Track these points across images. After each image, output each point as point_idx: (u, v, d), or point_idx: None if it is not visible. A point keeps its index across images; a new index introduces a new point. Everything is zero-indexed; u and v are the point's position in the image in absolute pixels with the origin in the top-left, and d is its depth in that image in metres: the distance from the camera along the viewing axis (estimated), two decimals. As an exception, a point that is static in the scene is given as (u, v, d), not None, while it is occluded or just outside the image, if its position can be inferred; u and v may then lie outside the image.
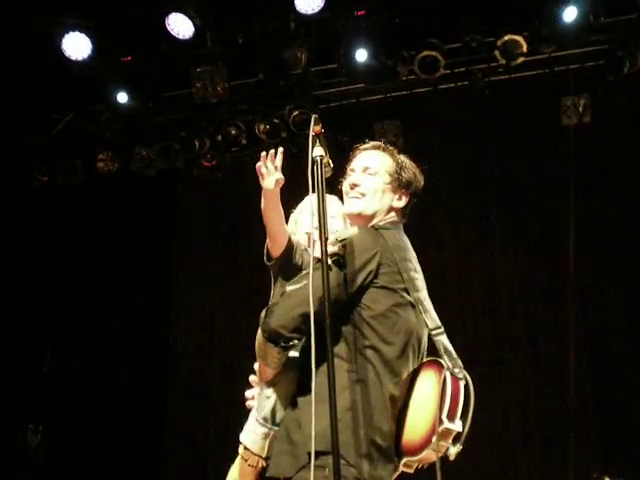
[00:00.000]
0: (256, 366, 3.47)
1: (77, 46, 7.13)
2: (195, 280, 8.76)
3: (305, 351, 3.10)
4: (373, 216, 3.34)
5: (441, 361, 3.04)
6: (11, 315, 8.21)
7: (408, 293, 3.12)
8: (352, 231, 3.22)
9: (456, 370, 3.00)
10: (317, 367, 2.90)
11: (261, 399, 3.40)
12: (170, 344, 8.70)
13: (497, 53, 6.89)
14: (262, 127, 7.75)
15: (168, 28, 6.92)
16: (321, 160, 3.03)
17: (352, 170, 3.41)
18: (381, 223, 3.32)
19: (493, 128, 7.65)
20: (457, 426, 2.95)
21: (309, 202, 3.35)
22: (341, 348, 3.06)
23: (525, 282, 7.50)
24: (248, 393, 3.55)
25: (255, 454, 3.39)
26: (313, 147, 3.03)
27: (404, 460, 3.05)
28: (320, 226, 2.95)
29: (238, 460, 3.49)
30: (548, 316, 7.35)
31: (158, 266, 8.66)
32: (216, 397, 8.13)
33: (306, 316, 2.93)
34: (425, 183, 3.48)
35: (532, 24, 6.72)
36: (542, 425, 7.20)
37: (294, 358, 3.27)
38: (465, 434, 2.96)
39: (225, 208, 8.71)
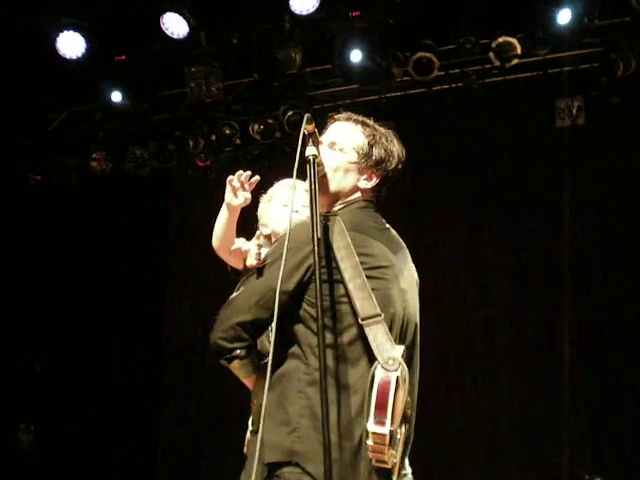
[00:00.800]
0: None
1: (71, 45, 7.12)
2: (189, 279, 8.75)
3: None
4: (335, 196, 3.11)
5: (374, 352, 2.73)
6: (4, 314, 8.20)
7: (344, 282, 2.83)
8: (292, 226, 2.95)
9: (390, 362, 2.68)
10: (278, 372, 2.83)
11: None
12: (163, 343, 8.69)
13: (491, 55, 6.89)
14: (256, 127, 7.76)
15: (163, 28, 6.91)
16: (314, 159, 3.00)
17: (320, 143, 3.06)
18: (336, 208, 3.08)
19: (487, 130, 7.66)
20: (383, 429, 2.63)
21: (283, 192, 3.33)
22: (295, 349, 2.87)
23: (518, 281, 7.50)
24: None
25: None
26: (306, 146, 3.00)
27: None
28: (313, 225, 2.93)
29: None
30: (541, 315, 7.36)
31: (152, 265, 8.65)
32: (209, 395, 8.13)
33: (244, 323, 2.85)
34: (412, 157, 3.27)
35: (527, 26, 6.73)
36: (534, 425, 7.20)
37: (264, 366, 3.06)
38: (404, 438, 2.76)
39: (219, 208, 8.68)
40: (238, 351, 2.91)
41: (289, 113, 7.48)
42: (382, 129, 3.20)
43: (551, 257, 7.35)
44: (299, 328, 2.88)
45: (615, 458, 6.81)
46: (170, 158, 8.15)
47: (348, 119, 3.19)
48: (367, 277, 2.83)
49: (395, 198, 3.31)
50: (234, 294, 2.98)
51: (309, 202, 2.90)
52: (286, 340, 2.86)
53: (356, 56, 6.95)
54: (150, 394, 8.43)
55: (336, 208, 3.10)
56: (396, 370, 2.67)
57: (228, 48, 7.35)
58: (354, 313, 2.80)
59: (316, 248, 2.77)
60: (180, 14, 6.85)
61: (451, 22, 6.98)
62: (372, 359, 2.75)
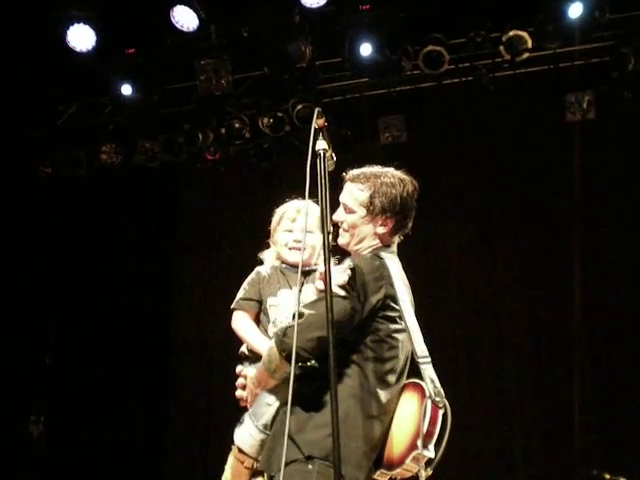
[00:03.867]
0: (241, 369, 3.66)
1: (81, 38, 7.13)
2: (196, 272, 8.76)
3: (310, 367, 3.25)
4: (359, 245, 3.49)
5: (424, 387, 3.19)
6: (13, 306, 8.23)
7: (402, 321, 3.26)
8: (356, 259, 3.34)
9: (437, 399, 3.13)
10: (321, 382, 3.08)
11: (260, 406, 3.50)
12: (171, 337, 8.71)
13: (502, 49, 6.88)
14: (266, 121, 7.75)
15: (173, 21, 6.91)
16: (324, 154, 3.02)
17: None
18: (370, 249, 3.44)
19: (497, 124, 7.64)
20: (430, 453, 3.14)
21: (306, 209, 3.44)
22: (345, 368, 3.24)
23: (527, 278, 7.49)
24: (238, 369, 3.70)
25: (251, 457, 3.50)
26: (316, 140, 3.03)
27: (379, 471, 3.28)
28: (323, 219, 2.95)
29: (232, 461, 3.60)
30: (550, 312, 7.34)
31: (160, 258, 8.67)
32: (217, 389, 8.12)
33: (322, 339, 3.06)
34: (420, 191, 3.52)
35: (537, 20, 6.70)
36: (543, 422, 7.19)
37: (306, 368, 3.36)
38: (437, 461, 3.13)
39: (228, 201, 8.70)
40: (313, 361, 3.22)
41: (299, 107, 7.48)
42: (384, 177, 3.47)
43: (562, 253, 7.32)
44: (352, 351, 3.26)
45: (625, 455, 6.80)
46: (179, 151, 8.14)
47: (352, 179, 3.51)
48: None
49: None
50: (309, 311, 3.21)
51: (319, 195, 2.97)
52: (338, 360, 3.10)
53: (366, 49, 6.93)
54: (159, 387, 8.45)
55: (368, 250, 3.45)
56: (442, 408, 3.14)
57: (238, 41, 7.34)
58: (401, 348, 3.32)
59: (326, 240, 3.03)
60: (190, 7, 6.85)
61: (461, 15, 6.96)
62: (401, 388, 3.34)
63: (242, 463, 3.52)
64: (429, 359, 3.25)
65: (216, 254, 8.63)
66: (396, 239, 3.53)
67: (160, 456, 8.36)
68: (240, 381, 3.66)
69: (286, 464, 3.08)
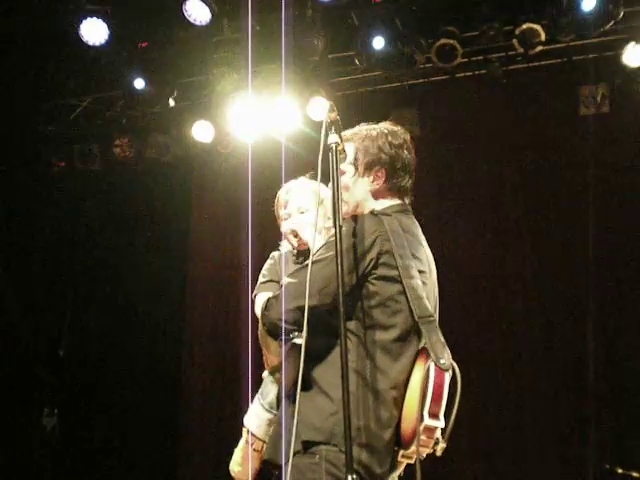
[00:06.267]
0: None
1: (94, 32, 7.14)
2: (211, 266, 8.78)
3: (308, 341, 3.03)
4: (360, 209, 3.31)
5: (431, 354, 2.91)
6: (28, 299, 8.27)
7: (401, 280, 3.02)
8: (348, 220, 3.15)
9: (442, 361, 2.89)
10: (320, 358, 2.97)
11: (266, 384, 3.47)
12: (185, 329, 8.74)
13: (515, 42, 6.84)
14: (278, 114, 7.75)
15: (185, 14, 6.91)
16: (336, 147, 3.03)
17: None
18: (378, 208, 3.24)
19: (510, 117, 7.62)
20: (439, 422, 2.90)
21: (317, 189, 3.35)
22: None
23: (541, 272, 7.47)
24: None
25: (259, 439, 3.44)
26: (328, 134, 3.04)
27: (401, 452, 3.04)
28: (335, 213, 2.95)
29: (242, 443, 3.53)
30: (564, 304, 7.32)
31: (174, 252, 8.69)
32: (230, 380, 8.15)
33: (304, 309, 2.91)
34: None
35: (551, 13, 6.66)
36: (557, 417, 7.18)
37: (299, 345, 3.23)
38: (449, 430, 2.91)
39: (241, 195, 8.70)
40: (296, 333, 3.08)
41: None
42: (368, 130, 3.39)
43: (575, 247, 7.30)
44: (349, 320, 2.99)
45: (638, 454, 6.78)
46: (192, 145, 8.15)
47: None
48: None
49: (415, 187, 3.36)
50: (289, 279, 3.08)
51: (331, 189, 2.97)
52: (331, 330, 2.94)
53: (379, 43, 6.92)
54: (171, 380, 8.48)
55: (377, 209, 3.23)
56: (447, 370, 2.89)
57: (251, 35, 7.34)
58: (407, 311, 3.01)
59: (338, 235, 2.90)
60: (203, 1, 6.85)
61: (474, 8, 6.94)
62: (413, 357, 3.04)
63: (251, 445, 3.46)
64: (432, 318, 3.00)
65: (230, 247, 8.63)
66: (406, 198, 3.34)
67: (173, 449, 8.39)
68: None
69: (294, 454, 2.96)
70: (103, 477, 8.20)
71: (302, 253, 3.59)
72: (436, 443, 2.92)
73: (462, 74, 7.46)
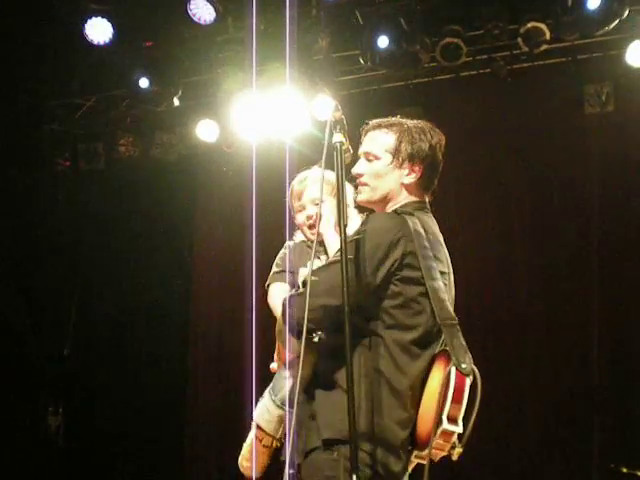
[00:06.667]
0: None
1: (99, 31, 7.15)
2: (216, 263, 8.78)
3: (330, 340, 3.09)
4: (385, 200, 3.27)
5: (452, 357, 2.92)
6: (32, 297, 8.29)
7: (424, 282, 3.02)
8: (370, 217, 3.17)
9: (463, 365, 2.89)
10: (337, 356, 2.93)
11: (279, 379, 3.38)
12: (190, 326, 8.75)
13: (520, 40, 6.83)
14: (283, 113, 7.74)
15: (190, 13, 6.92)
16: (340, 146, 3.03)
17: (359, 156, 3.32)
18: (398, 206, 3.22)
19: (515, 115, 7.60)
20: (457, 428, 2.90)
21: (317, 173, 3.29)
22: (363, 339, 3.02)
23: (546, 271, 7.46)
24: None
25: (269, 434, 3.38)
26: (333, 133, 3.04)
27: (415, 452, 3.04)
28: (339, 213, 2.95)
29: (251, 439, 3.46)
30: (568, 299, 7.30)
31: (179, 250, 8.70)
32: (235, 372, 8.15)
33: (328, 308, 2.94)
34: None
35: (555, 12, 6.64)
36: (561, 417, 7.17)
37: (314, 342, 3.23)
38: (467, 436, 2.90)
39: (246, 193, 8.70)
40: (320, 332, 3.05)
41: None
42: (410, 123, 3.34)
43: (579, 246, 7.29)
44: (370, 319, 3.02)
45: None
46: (198, 143, 8.16)
47: (375, 127, 3.34)
48: None
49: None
50: (315, 277, 3.02)
51: (336, 189, 2.97)
52: (353, 330, 2.91)
53: (383, 42, 6.91)
54: (177, 377, 8.49)
55: (395, 207, 3.22)
56: (468, 375, 2.89)
57: (255, 34, 7.34)
58: (429, 313, 3.02)
59: (343, 236, 2.89)
60: (207, 0, 6.85)
61: (479, 7, 6.93)
62: (431, 359, 3.03)
63: (260, 441, 3.39)
64: (455, 321, 3.01)
65: (235, 244, 8.62)
66: (426, 197, 3.32)
67: (179, 446, 8.40)
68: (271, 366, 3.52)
69: (309, 451, 3.00)
70: (108, 476, 8.22)
71: (320, 244, 3.47)
72: (452, 447, 2.92)
73: (467, 73, 7.44)
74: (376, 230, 3.05)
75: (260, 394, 3.51)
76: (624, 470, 6.25)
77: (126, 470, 8.21)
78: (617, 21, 6.54)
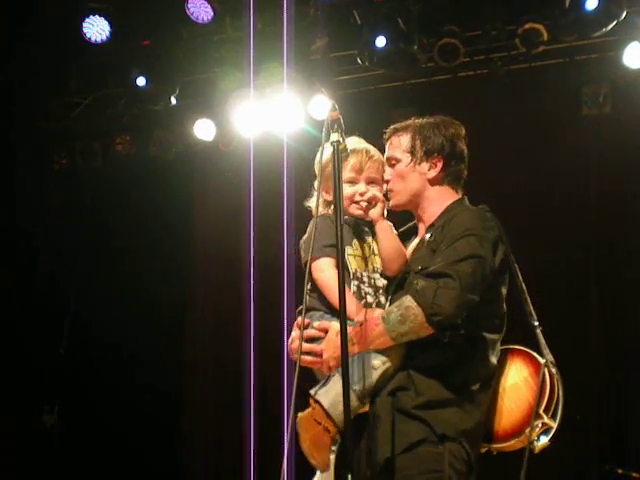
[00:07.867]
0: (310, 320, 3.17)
1: (96, 29, 7.15)
2: (213, 263, 8.78)
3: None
4: (416, 199, 3.36)
5: (536, 355, 3.19)
6: (28, 296, 8.28)
7: (515, 282, 3.27)
8: (461, 213, 3.29)
9: (553, 369, 3.14)
10: (454, 351, 3.02)
11: (363, 369, 2.99)
12: (187, 326, 8.75)
13: (517, 41, 6.84)
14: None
15: (188, 12, 6.92)
16: (337, 146, 3.04)
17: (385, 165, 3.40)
18: (450, 202, 3.36)
19: (512, 117, 7.60)
20: (554, 422, 3.14)
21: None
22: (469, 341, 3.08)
23: (542, 269, 7.43)
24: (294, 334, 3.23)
25: (336, 424, 2.96)
26: (330, 133, 3.06)
27: (489, 446, 3.25)
28: (337, 212, 2.96)
29: (312, 427, 2.99)
30: (565, 303, 7.29)
31: (176, 249, 8.69)
32: (232, 372, 8.15)
33: (472, 302, 2.97)
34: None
35: (553, 13, 6.65)
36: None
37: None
38: (553, 431, 3.14)
39: (243, 192, 8.70)
40: (462, 331, 2.99)
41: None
42: (424, 120, 3.47)
43: (577, 246, 7.29)
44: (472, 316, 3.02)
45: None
46: (194, 142, 8.16)
47: (393, 133, 3.46)
48: None
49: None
50: (453, 270, 2.97)
51: (333, 188, 2.98)
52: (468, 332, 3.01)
53: (381, 42, 6.91)
54: (173, 377, 8.48)
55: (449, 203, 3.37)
56: (556, 373, 3.15)
57: (253, 33, 7.35)
58: (521, 313, 3.28)
59: (339, 233, 2.92)
60: (205, -1, 6.86)
61: (477, 8, 6.94)
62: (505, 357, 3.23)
63: (328, 432, 2.96)
64: (536, 321, 3.29)
65: (233, 244, 8.62)
66: (459, 189, 3.47)
67: (174, 446, 8.40)
68: (310, 332, 3.12)
69: (413, 445, 2.94)
70: (104, 475, 8.21)
71: (365, 223, 3.36)
72: (530, 442, 3.17)
73: (464, 73, 7.44)
74: (478, 227, 3.21)
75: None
76: (619, 471, 6.26)
77: (122, 469, 8.19)
78: (615, 22, 6.55)
